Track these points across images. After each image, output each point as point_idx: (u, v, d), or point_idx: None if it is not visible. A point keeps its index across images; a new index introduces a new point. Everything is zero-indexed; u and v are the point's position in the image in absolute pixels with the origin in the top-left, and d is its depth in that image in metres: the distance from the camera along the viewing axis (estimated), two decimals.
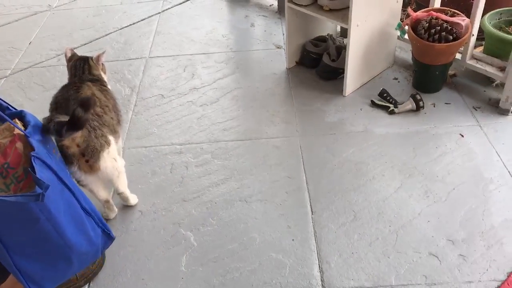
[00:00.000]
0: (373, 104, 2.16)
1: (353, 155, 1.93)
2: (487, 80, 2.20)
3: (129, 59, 2.65)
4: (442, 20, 1.99)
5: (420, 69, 2.17)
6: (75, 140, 1.43)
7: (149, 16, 3.06)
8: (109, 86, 1.80)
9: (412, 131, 2.01)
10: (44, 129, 1.26)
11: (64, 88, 1.65)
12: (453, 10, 2.09)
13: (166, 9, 3.13)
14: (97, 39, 2.87)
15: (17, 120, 1.17)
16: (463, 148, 1.91)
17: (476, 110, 2.09)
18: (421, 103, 2.08)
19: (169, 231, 1.68)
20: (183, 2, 3.19)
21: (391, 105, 2.12)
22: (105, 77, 1.81)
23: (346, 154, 1.93)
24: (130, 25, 3.00)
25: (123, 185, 1.68)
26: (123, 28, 2.97)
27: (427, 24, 2.00)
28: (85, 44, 2.83)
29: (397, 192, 1.75)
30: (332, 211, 1.70)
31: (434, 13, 2.02)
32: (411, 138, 1.98)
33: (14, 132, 1.14)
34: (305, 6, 2.18)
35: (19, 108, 1.30)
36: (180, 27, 2.93)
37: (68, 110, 1.52)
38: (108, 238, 1.41)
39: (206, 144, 2.04)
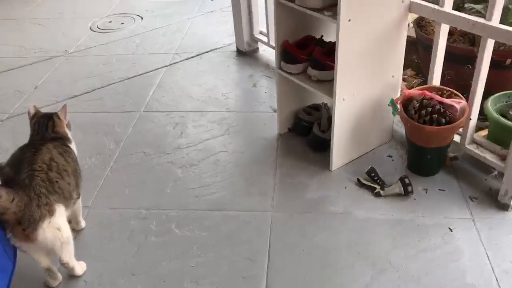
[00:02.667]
0: (359, 183, 2.00)
1: (326, 240, 1.76)
2: (490, 168, 1.99)
3: (124, 112, 2.63)
4: (436, 100, 1.83)
5: (413, 150, 2.00)
6: (10, 208, 1.36)
7: (156, 69, 3.06)
8: (72, 144, 1.74)
9: (396, 219, 1.83)
10: None
11: (23, 148, 1.60)
12: (451, 90, 1.93)
13: (174, 63, 3.13)
14: (99, 88, 2.88)
15: None
16: (449, 245, 1.70)
17: (472, 201, 1.89)
18: (409, 188, 1.89)
19: None
20: (192, 57, 3.18)
21: (377, 186, 1.95)
22: (69, 134, 1.76)
23: (318, 239, 1.76)
24: (135, 76, 3.00)
25: (66, 256, 1.57)
26: (128, 79, 2.98)
27: (418, 104, 1.85)
28: (86, 93, 2.84)
29: None
30: None
31: (428, 92, 1.87)
32: (393, 227, 1.80)
33: None
34: (294, 74, 2.09)
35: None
36: (182, 81, 2.90)
37: (18, 172, 1.47)
38: None
39: (173, 211, 1.93)
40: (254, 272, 1.65)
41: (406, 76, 2.72)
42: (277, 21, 2.03)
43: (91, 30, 3.76)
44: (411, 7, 1.90)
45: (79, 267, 1.66)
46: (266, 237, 1.79)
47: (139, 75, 3.01)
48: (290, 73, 2.10)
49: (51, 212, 1.45)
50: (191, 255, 1.73)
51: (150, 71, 3.04)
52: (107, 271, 1.69)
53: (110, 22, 3.88)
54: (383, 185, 1.95)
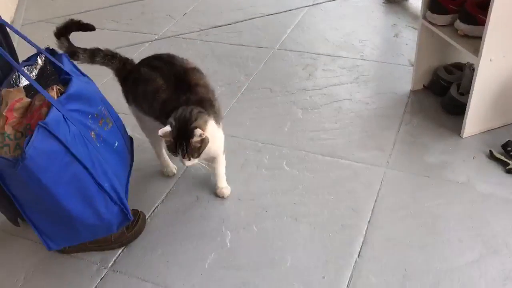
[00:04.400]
0: (491, 155, 1.80)
1: (437, 207, 1.65)
2: None
3: (259, 47, 2.68)
4: None
5: None
6: None
7: (298, 8, 3.03)
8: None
9: None
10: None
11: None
12: None
13: (318, 3, 3.06)
14: (241, 21, 2.96)
15: (54, 88, 1.27)
16: None
17: None
18: None
19: (212, 224, 1.69)
20: None
21: (511, 162, 1.74)
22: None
23: (430, 204, 1.66)
24: (277, 13, 3.01)
25: None
26: (269, 15, 3.01)
27: None
28: (228, 25, 2.95)
29: (468, 266, 1.45)
30: (381, 261, 1.50)
31: None
32: None
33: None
34: (439, 26, 1.90)
35: None
36: (321, 23, 2.84)
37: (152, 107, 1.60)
38: (125, 218, 1.45)
39: (286, 149, 1.97)
40: (354, 223, 1.63)
41: None
42: None
43: None
44: None
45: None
46: (374, 192, 1.74)
47: (281, 12, 3.02)
48: (435, 25, 1.92)
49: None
50: (295, 193, 1.77)
51: (292, 10, 3.03)
52: None
53: None
54: None
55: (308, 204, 1.72)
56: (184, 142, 1.45)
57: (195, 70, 1.63)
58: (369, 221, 1.63)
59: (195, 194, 1.81)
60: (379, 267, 1.48)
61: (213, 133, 1.53)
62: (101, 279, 1.54)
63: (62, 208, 1.30)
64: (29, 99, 1.29)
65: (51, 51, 1.46)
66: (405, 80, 2.27)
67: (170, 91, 1.55)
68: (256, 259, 1.55)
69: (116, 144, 1.47)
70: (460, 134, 1.92)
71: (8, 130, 1.24)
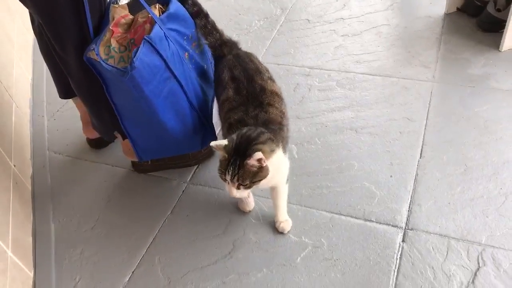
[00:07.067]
0: None
1: (487, 111, 1.77)
2: None
3: None
4: None
5: None
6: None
7: None
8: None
9: None
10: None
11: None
12: None
13: None
14: None
15: (156, 6, 1.34)
16: None
17: None
18: None
19: None
20: None
21: None
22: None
23: (479, 110, 1.78)
24: None
25: None
26: None
27: None
28: None
29: None
30: (442, 160, 1.62)
31: None
32: None
33: (149, 15, 1.31)
34: None
35: None
36: None
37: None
38: (210, 136, 1.53)
39: (335, 72, 2.06)
40: (411, 129, 1.75)
41: None
42: None
43: None
44: None
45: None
46: (425, 102, 1.85)
47: None
48: None
49: None
50: (351, 109, 1.87)
51: None
52: None
53: None
54: None
55: (365, 117, 1.83)
56: (238, 160, 1.17)
57: (274, 93, 1.42)
58: (425, 127, 1.75)
59: None
60: (441, 164, 1.61)
61: (278, 164, 1.28)
62: (183, 191, 1.65)
63: (158, 120, 1.39)
64: (132, 16, 1.36)
65: None
66: (437, 5, 2.35)
67: (239, 104, 1.37)
68: (324, 167, 1.67)
69: (205, 67, 1.55)
70: (499, 48, 2.02)
71: (113, 43, 1.32)
